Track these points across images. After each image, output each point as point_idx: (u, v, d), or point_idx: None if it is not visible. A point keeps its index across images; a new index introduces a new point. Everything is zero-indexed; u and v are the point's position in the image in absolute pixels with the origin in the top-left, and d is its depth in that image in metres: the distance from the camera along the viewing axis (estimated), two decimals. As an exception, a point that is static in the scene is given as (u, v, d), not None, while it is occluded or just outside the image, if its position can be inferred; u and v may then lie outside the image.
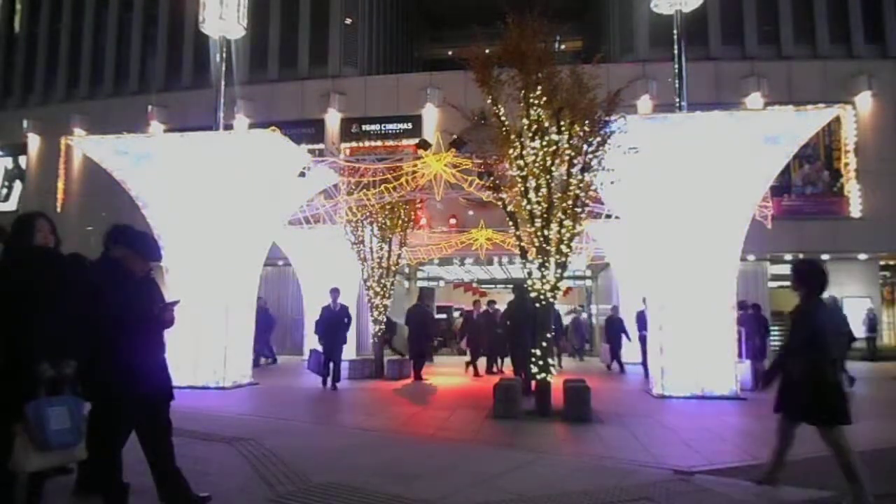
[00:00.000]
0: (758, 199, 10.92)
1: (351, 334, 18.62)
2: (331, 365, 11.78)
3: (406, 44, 35.11)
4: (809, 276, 5.01)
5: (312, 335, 18.94)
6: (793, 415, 4.78)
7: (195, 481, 4.18)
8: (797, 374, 4.68)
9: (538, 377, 8.50)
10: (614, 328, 16.18)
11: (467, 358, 15.71)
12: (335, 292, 12.13)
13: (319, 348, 12.02)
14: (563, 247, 8.48)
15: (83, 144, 13.55)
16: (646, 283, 11.57)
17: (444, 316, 29.62)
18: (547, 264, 8.43)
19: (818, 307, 4.88)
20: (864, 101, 22.37)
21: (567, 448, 6.66)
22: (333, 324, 11.94)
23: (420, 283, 26.83)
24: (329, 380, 11.74)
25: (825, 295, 5.03)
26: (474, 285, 32.45)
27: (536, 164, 8.36)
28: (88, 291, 3.85)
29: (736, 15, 24.00)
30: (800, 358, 4.69)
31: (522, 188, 8.46)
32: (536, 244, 8.47)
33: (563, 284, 8.94)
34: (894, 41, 23.48)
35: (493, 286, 31.73)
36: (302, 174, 12.47)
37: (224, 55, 13.63)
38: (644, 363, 13.33)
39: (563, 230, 8.45)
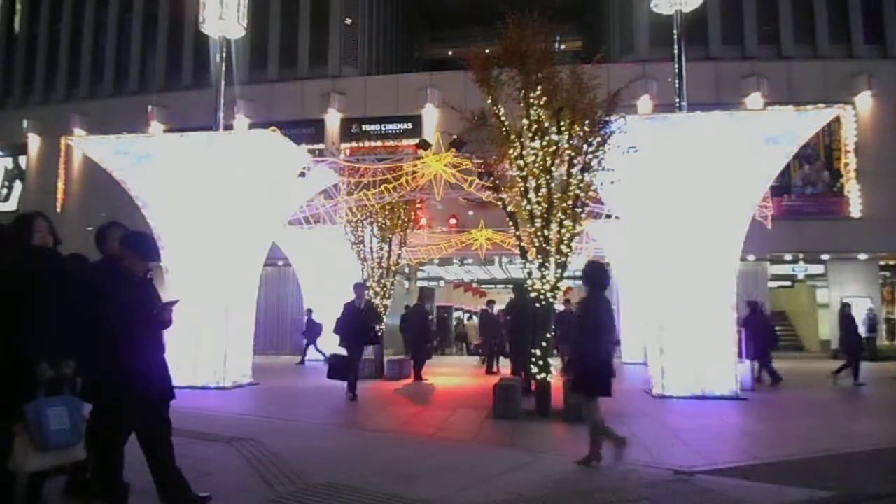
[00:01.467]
0: (758, 199, 10.92)
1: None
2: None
3: (406, 44, 35.12)
4: (594, 275, 5.94)
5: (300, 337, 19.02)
6: (580, 389, 5.76)
7: (195, 481, 4.17)
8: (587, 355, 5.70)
9: (538, 377, 8.50)
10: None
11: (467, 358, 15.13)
12: (360, 287, 11.03)
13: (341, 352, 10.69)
14: (563, 247, 8.48)
15: (83, 144, 13.55)
16: (646, 283, 11.56)
17: (443, 316, 29.62)
18: (547, 264, 8.43)
19: (599, 300, 5.84)
20: (864, 101, 22.38)
21: (567, 448, 6.64)
22: (358, 323, 10.60)
23: (420, 283, 26.83)
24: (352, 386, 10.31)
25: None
26: (474, 285, 32.46)
27: (536, 164, 8.36)
28: (88, 291, 3.85)
29: (736, 15, 24.01)
30: (587, 342, 5.69)
31: (522, 188, 8.46)
32: (536, 244, 8.47)
33: (563, 284, 8.93)
34: (894, 41, 23.48)
35: (493, 286, 31.75)
36: (302, 174, 12.47)
37: (224, 55, 13.62)
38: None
39: (563, 230, 8.45)
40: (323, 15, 26.43)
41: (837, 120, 19.51)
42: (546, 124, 8.36)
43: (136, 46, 28.13)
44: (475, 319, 29.50)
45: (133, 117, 23.84)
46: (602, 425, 5.55)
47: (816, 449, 6.46)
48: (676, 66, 11.62)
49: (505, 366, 15.03)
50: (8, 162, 28.51)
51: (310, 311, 18.05)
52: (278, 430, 7.29)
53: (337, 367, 10.37)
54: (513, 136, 8.49)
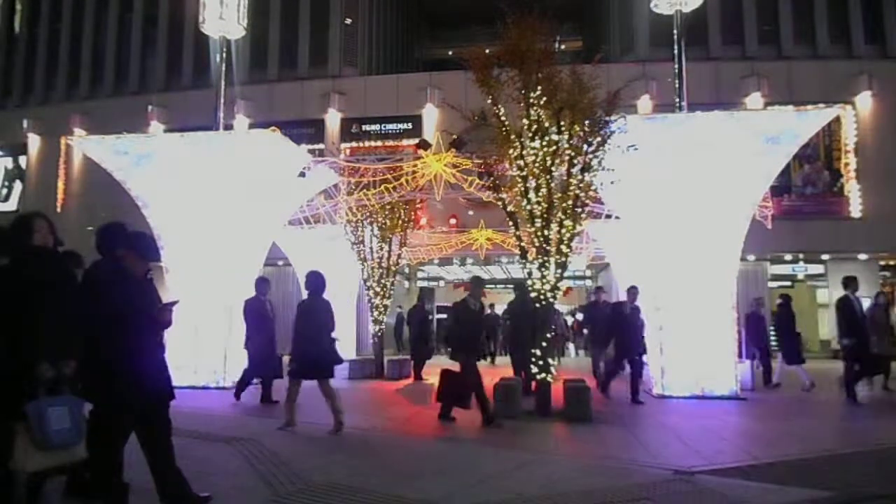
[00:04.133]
0: (758, 199, 10.92)
1: (350, 334, 18.74)
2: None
3: (406, 44, 35.10)
4: (313, 282, 7.33)
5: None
6: (299, 375, 7.20)
7: (195, 481, 4.17)
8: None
9: (538, 377, 8.49)
10: (757, 327, 12.88)
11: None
12: (480, 283, 8.81)
13: None
14: (563, 247, 8.47)
15: (83, 144, 13.55)
16: (646, 283, 11.55)
17: (444, 316, 29.62)
18: (547, 264, 8.43)
19: (317, 302, 7.27)
20: (864, 101, 22.38)
21: (567, 448, 6.65)
22: (474, 330, 8.48)
23: (420, 283, 26.83)
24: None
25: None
26: (474, 285, 32.43)
27: (536, 164, 8.36)
28: (88, 291, 3.85)
29: (736, 15, 24.01)
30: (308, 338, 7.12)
31: (522, 188, 8.46)
32: (536, 244, 8.47)
33: (563, 284, 8.93)
34: (894, 41, 23.49)
35: (493, 286, 31.76)
36: (302, 174, 12.46)
37: (224, 55, 13.62)
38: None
39: (563, 230, 8.44)
40: (323, 15, 26.43)
41: (837, 120, 19.60)
42: (546, 124, 8.36)
43: (136, 46, 28.12)
44: None
45: (133, 117, 23.84)
46: (292, 403, 7.20)
47: (816, 449, 6.46)
48: (676, 66, 11.62)
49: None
50: (8, 162, 28.50)
51: None
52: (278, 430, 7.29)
53: (454, 390, 7.99)
54: (513, 136, 8.49)
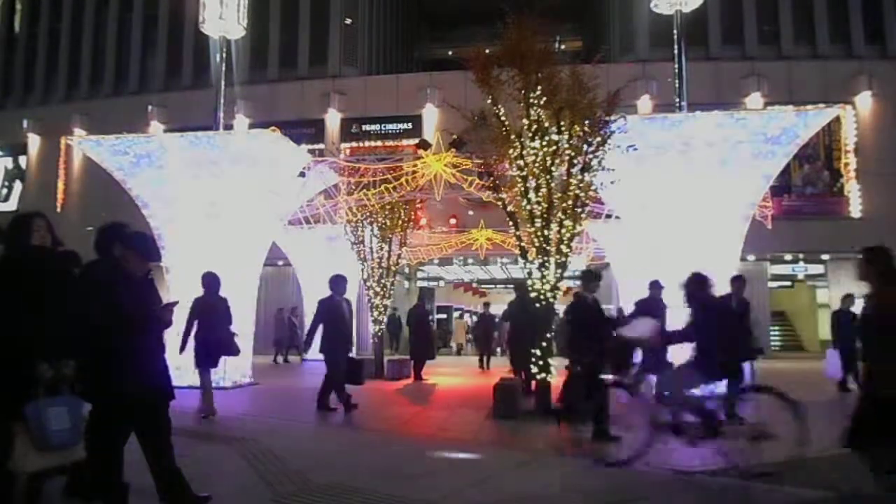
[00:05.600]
0: (758, 198, 10.92)
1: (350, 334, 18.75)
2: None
3: (406, 44, 35.11)
4: (207, 282, 8.23)
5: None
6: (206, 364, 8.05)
7: (195, 481, 4.17)
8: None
9: (538, 377, 8.49)
10: (848, 325, 11.05)
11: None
12: (591, 279, 7.48)
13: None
14: (563, 247, 8.47)
15: (83, 144, 13.54)
16: (645, 284, 11.53)
17: (443, 316, 29.65)
18: (547, 264, 8.42)
19: (216, 299, 8.22)
20: (864, 101, 22.39)
21: (567, 448, 6.64)
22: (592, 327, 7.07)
23: (420, 283, 26.83)
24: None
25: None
26: (474, 285, 32.44)
27: (536, 164, 8.36)
28: (88, 291, 3.84)
29: (736, 15, 24.03)
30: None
31: (522, 188, 8.46)
32: (536, 244, 8.47)
33: (563, 284, 8.93)
34: (894, 41, 23.50)
35: (493, 286, 31.76)
36: (302, 174, 12.47)
37: (224, 55, 13.62)
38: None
39: (563, 230, 8.44)
40: (323, 15, 26.45)
41: (837, 120, 19.58)
42: (546, 124, 8.36)
43: (136, 46, 28.13)
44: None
45: (133, 117, 23.84)
46: (209, 389, 8.10)
47: (816, 449, 6.45)
48: (676, 66, 11.62)
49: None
50: (8, 162, 28.52)
51: None
52: (278, 430, 7.29)
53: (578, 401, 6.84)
54: (513, 136, 8.49)
